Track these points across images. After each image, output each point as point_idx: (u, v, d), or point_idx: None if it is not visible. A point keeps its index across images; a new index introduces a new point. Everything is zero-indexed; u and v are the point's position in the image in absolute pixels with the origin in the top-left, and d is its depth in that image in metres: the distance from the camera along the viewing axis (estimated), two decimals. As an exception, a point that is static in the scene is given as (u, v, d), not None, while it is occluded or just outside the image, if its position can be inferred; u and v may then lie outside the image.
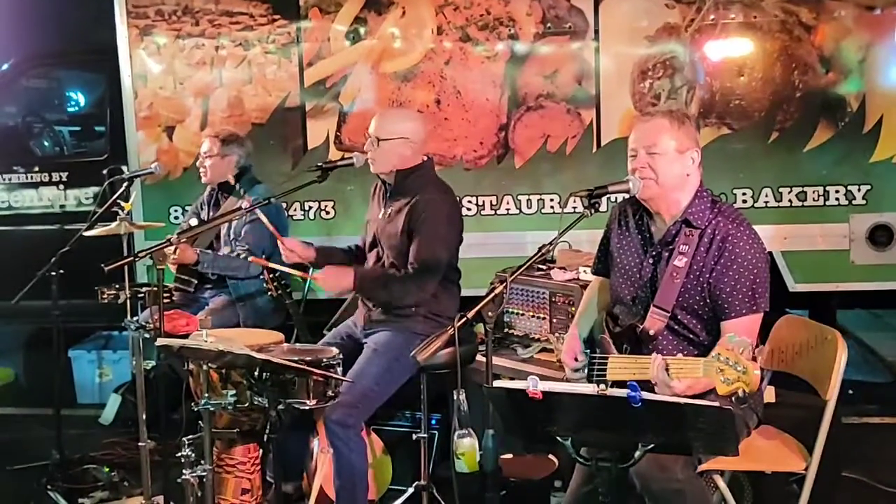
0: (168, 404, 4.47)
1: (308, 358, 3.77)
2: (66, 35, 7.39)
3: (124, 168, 6.26)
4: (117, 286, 4.68)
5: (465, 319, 3.17)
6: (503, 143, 6.08)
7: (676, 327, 3.46)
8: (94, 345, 6.69)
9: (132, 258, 4.09)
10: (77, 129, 7.64)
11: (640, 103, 5.88)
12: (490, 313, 3.19)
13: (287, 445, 4.18)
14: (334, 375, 3.71)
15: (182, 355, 3.85)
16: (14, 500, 4.97)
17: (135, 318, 4.52)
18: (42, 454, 5.21)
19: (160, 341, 3.69)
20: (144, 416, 4.32)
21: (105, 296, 4.78)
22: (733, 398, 2.93)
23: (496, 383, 2.94)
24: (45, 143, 7.28)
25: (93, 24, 6.90)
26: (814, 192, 5.87)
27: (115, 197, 5.00)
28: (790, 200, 5.89)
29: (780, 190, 5.89)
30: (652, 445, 2.74)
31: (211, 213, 5.49)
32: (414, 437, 4.44)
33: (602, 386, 2.63)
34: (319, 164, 4.44)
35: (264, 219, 4.51)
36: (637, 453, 2.78)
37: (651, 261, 3.52)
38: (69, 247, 4.96)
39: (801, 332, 3.65)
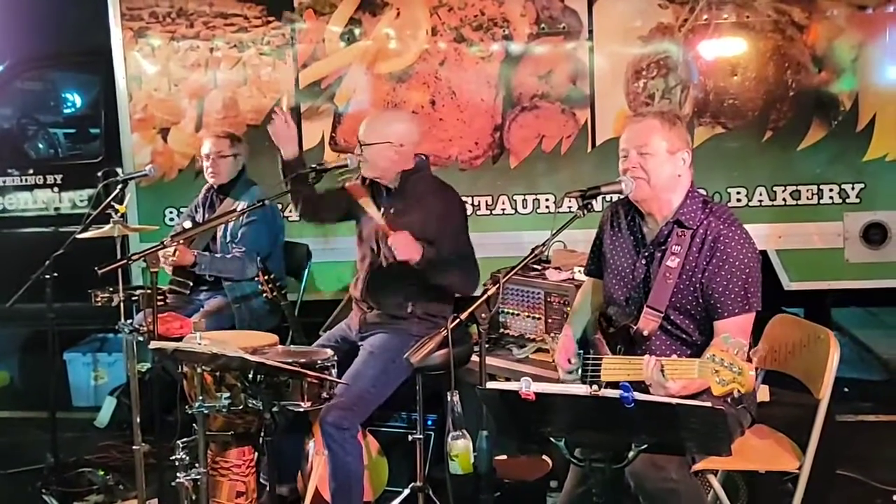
0: (163, 407, 4.47)
1: (302, 360, 3.77)
2: (61, 37, 7.38)
3: (119, 170, 6.24)
4: (111, 289, 4.68)
5: (458, 321, 3.17)
6: (498, 143, 6.09)
7: (669, 328, 3.46)
8: (89, 347, 6.69)
9: (126, 261, 4.08)
10: (72, 131, 7.64)
11: (635, 103, 5.89)
12: (483, 315, 3.19)
13: (282, 447, 4.18)
14: (328, 377, 3.71)
15: (176, 358, 3.85)
16: (9, 504, 4.98)
17: (128, 321, 4.51)
18: (37, 458, 5.20)
19: (153, 344, 3.69)
20: (139, 419, 4.31)
21: (98, 299, 4.77)
22: (729, 399, 2.93)
23: (489, 385, 2.94)
24: (40, 146, 7.28)
25: (87, 26, 6.88)
26: (808, 190, 5.88)
27: (109, 199, 4.99)
28: (784, 199, 5.90)
29: (775, 189, 5.90)
30: (645, 446, 2.75)
31: (206, 215, 5.48)
32: (410, 438, 4.43)
33: (595, 387, 2.64)
34: (314, 165, 4.43)
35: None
36: (630, 454, 2.78)
37: (644, 261, 3.52)
38: (63, 250, 4.95)
39: (794, 332, 3.65)
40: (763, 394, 3.79)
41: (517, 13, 5.97)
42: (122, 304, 4.54)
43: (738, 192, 5.92)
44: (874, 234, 5.84)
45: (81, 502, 4.89)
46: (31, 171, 6.77)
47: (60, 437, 5.17)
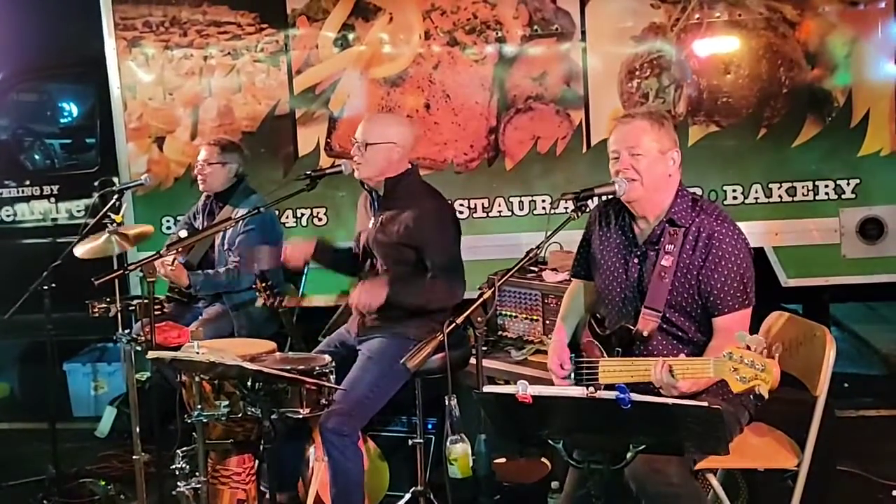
0: (163, 416, 4.47)
1: (300, 367, 3.78)
2: (56, 48, 7.37)
3: (115, 180, 6.25)
4: (108, 299, 4.68)
5: (453, 325, 3.18)
6: (493, 145, 6.09)
7: (666, 327, 3.46)
8: (88, 357, 6.69)
9: (122, 271, 4.08)
10: (67, 141, 7.63)
11: (629, 103, 5.90)
12: (479, 318, 3.20)
13: (282, 454, 4.18)
14: (326, 384, 3.71)
15: (174, 367, 3.85)
16: (11, 516, 4.99)
17: (126, 331, 4.51)
18: (38, 469, 5.21)
19: (151, 354, 3.69)
20: (139, 429, 4.31)
21: (96, 309, 4.76)
22: (751, 396, 2.91)
23: (486, 388, 2.94)
24: (36, 157, 7.28)
25: (81, 36, 6.88)
26: (803, 187, 5.89)
27: (105, 209, 5.00)
28: (780, 196, 5.90)
29: (770, 186, 5.91)
30: (643, 446, 2.75)
31: (205, 223, 5.47)
32: (410, 442, 4.43)
33: (591, 389, 2.64)
34: (308, 171, 4.43)
35: None
36: (629, 455, 2.78)
37: (637, 261, 3.52)
38: (60, 260, 4.95)
39: (790, 329, 3.65)
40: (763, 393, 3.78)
41: (510, 15, 5.98)
42: (119, 314, 4.54)
43: (734, 190, 5.92)
44: (870, 229, 5.84)
45: (83, 513, 4.91)
46: (27, 182, 6.77)
47: (61, 448, 5.18)
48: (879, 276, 5.94)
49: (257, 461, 4.04)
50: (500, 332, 5.04)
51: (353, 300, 4.24)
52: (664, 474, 3.19)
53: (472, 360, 4.36)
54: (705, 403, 2.58)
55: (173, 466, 3.96)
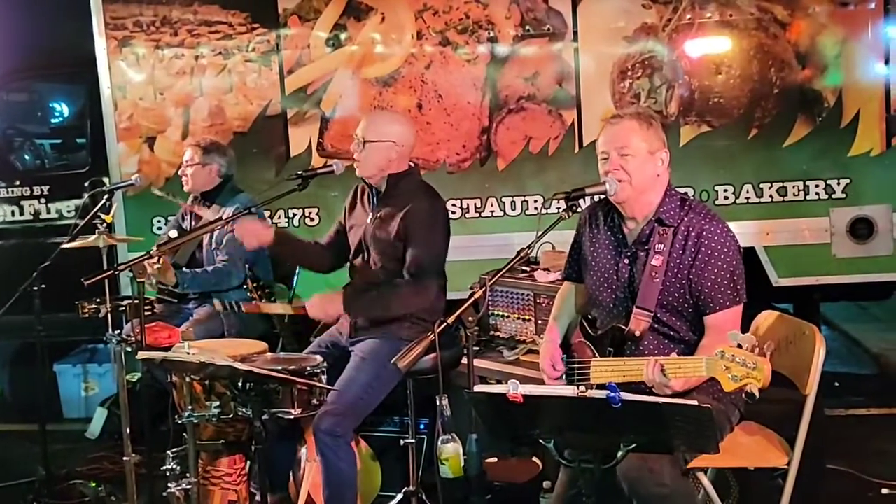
0: (154, 417, 4.46)
1: (291, 367, 3.77)
2: (46, 48, 7.35)
3: (106, 180, 6.23)
4: (98, 300, 4.67)
5: (444, 325, 3.18)
6: (486, 145, 6.09)
7: (658, 326, 3.47)
8: (79, 358, 6.68)
9: (112, 271, 4.07)
10: (58, 141, 7.62)
11: (621, 103, 5.90)
12: (470, 318, 3.19)
13: (273, 455, 4.18)
14: (317, 384, 3.70)
15: (165, 368, 3.84)
16: (1, 518, 4.98)
17: (116, 332, 4.51)
18: (28, 470, 5.20)
19: (141, 355, 3.69)
20: (129, 430, 4.30)
21: (86, 310, 4.75)
22: (743, 395, 2.92)
23: (477, 388, 2.94)
24: (26, 157, 7.26)
25: (72, 36, 6.86)
26: (794, 187, 5.90)
27: (96, 209, 4.99)
28: (771, 196, 5.91)
29: (761, 185, 5.92)
30: (633, 445, 2.75)
31: (192, 224, 5.47)
32: (402, 442, 4.43)
33: (582, 388, 2.64)
34: (299, 171, 4.42)
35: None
36: (619, 454, 2.79)
37: (627, 262, 3.53)
38: (50, 261, 4.94)
39: (779, 328, 3.66)
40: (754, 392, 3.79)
41: (502, 15, 5.98)
42: (109, 315, 4.53)
43: (726, 190, 5.93)
44: (861, 229, 5.85)
45: (73, 514, 4.90)
46: (17, 183, 6.75)
47: (51, 449, 5.17)
48: (870, 275, 5.95)
49: (248, 462, 4.04)
50: (491, 332, 5.03)
51: (309, 310, 4.26)
52: (656, 474, 3.20)
53: (464, 360, 4.36)
54: (695, 402, 2.58)
55: (164, 467, 3.96)
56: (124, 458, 4.31)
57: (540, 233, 3.41)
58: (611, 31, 5.93)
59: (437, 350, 3.20)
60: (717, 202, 5.86)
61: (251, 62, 6.17)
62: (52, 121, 7.95)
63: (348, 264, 4.53)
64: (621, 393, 2.57)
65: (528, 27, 5.98)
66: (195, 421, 3.70)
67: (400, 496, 4.41)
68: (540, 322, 4.80)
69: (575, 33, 5.95)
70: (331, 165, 4.37)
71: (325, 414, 3.96)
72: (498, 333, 5.02)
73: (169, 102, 6.25)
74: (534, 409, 2.73)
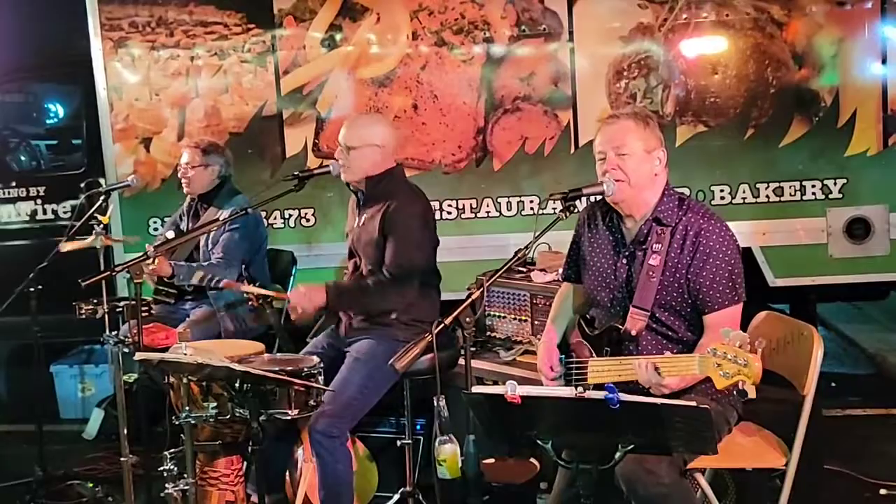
0: (151, 418, 4.46)
1: (288, 368, 3.77)
2: (41, 48, 7.34)
3: (102, 181, 6.23)
4: (95, 301, 4.66)
5: (442, 326, 3.18)
6: (481, 146, 6.09)
7: (656, 326, 3.47)
8: (75, 359, 6.66)
9: (109, 272, 4.07)
10: (54, 142, 7.60)
11: (617, 103, 5.91)
12: (468, 319, 3.20)
13: (270, 456, 4.17)
14: (314, 385, 3.70)
15: (162, 369, 3.84)
16: (-2, 519, 4.96)
17: (113, 333, 4.50)
18: (25, 471, 5.18)
19: (139, 355, 3.68)
20: (126, 431, 4.30)
21: (83, 311, 4.74)
22: (734, 392, 2.93)
23: (475, 389, 2.94)
24: (22, 158, 7.25)
25: (67, 36, 6.85)
26: (790, 187, 5.90)
27: (92, 210, 4.98)
28: (767, 196, 5.92)
29: (758, 186, 5.92)
30: (631, 446, 2.75)
31: (190, 224, 5.46)
32: (399, 443, 4.43)
33: (580, 389, 2.64)
34: (296, 172, 4.42)
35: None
36: (617, 455, 2.78)
37: (625, 261, 3.53)
38: (47, 262, 4.94)
39: (777, 328, 3.66)
40: (749, 391, 3.78)
41: (497, 15, 5.98)
42: (106, 316, 4.53)
43: (722, 190, 5.93)
44: (857, 229, 5.86)
45: (70, 515, 4.89)
46: (13, 184, 6.74)
47: (48, 450, 5.17)
48: (866, 275, 5.96)
49: (246, 463, 4.03)
50: (488, 333, 5.04)
51: (292, 300, 4.26)
52: (654, 474, 3.20)
53: (461, 361, 4.37)
54: (693, 403, 2.58)
55: (161, 468, 3.94)
56: (121, 459, 4.29)
57: (537, 233, 3.41)
58: (607, 31, 5.93)
59: (434, 351, 3.19)
60: (713, 202, 5.86)
61: (247, 63, 6.17)
62: (48, 122, 7.94)
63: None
64: (619, 394, 2.56)
65: (523, 27, 5.98)
66: (192, 422, 3.69)
67: (397, 497, 4.41)
68: (536, 323, 4.80)
69: (571, 33, 5.96)
70: (327, 166, 4.38)
71: (321, 415, 3.96)
72: (495, 334, 5.02)
73: (165, 103, 6.24)
74: (531, 410, 2.73)
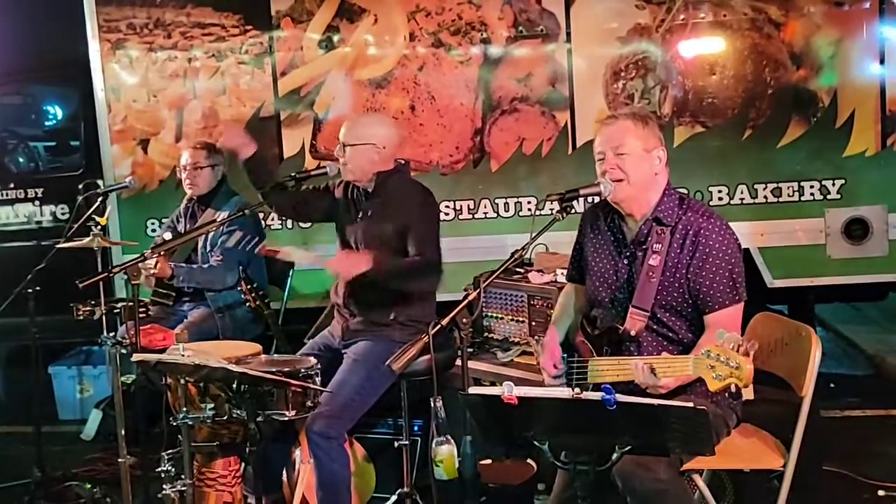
0: (148, 418, 4.45)
1: (285, 369, 3.76)
2: (39, 50, 7.34)
3: (100, 182, 6.22)
4: (92, 302, 4.67)
5: (439, 326, 3.17)
6: (479, 147, 6.10)
7: (656, 327, 3.46)
8: (73, 360, 6.66)
9: (107, 274, 4.06)
10: (52, 144, 7.59)
11: (614, 104, 5.91)
12: (465, 319, 3.19)
13: (268, 457, 4.17)
14: (312, 386, 3.70)
15: (159, 370, 3.83)
16: (-4, 520, 4.96)
17: (111, 334, 4.50)
18: (23, 472, 5.17)
19: (136, 357, 3.68)
20: (124, 432, 4.30)
21: (80, 312, 4.75)
22: (727, 394, 2.93)
23: (472, 389, 2.94)
24: (20, 159, 7.25)
25: (65, 38, 6.85)
26: (789, 187, 5.91)
27: (90, 212, 4.98)
28: (765, 197, 5.92)
29: (756, 186, 5.93)
30: (629, 447, 2.75)
31: (188, 226, 5.46)
32: (396, 444, 4.43)
33: (577, 389, 2.64)
34: (293, 173, 4.43)
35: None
36: (614, 455, 2.78)
37: (626, 261, 3.53)
38: (45, 263, 4.94)
39: (775, 329, 3.66)
40: (747, 392, 3.79)
41: (495, 17, 5.98)
42: (104, 317, 4.53)
43: (720, 191, 5.94)
44: (855, 230, 5.86)
45: (69, 515, 4.88)
46: (11, 185, 6.75)
47: (46, 451, 5.15)
48: (864, 276, 5.97)
49: (243, 463, 4.03)
50: (485, 334, 5.03)
51: (332, 265, 4.23)
52: (652, 471, 3.19)
53: (458, 362, 4.36)
54: (691, 404, 2.58)
55: (159, 469, 3.94)
56: (119, 460, 4.29)
57: (534, 234, 3.41)
58: (604, 32, 5.94)
59: (431, 352, 3.19)
60: (711, 203, 5.86)
61: (244, 64, 6.17)
62: (46, 123, 7.93)
63: None
64: (617, 395, 2.56)
65: (521, 28, 5.98)
66: (190, 423, 3.68)
67: (394, 498, 4.40)
68: (534, 324, 4.80)
69: (568, 34, 5.96)
70: (324, 167, 4.39)
71: (318, 416, 3.96)
72: (492, 335, 5.02)
73: (162, 105, 6.25)
74: (528, 411, 2.73)
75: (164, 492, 3.85)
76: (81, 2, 6.18)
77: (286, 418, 3.64)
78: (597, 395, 2.58)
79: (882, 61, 5.80)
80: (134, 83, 6.24)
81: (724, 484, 4.07)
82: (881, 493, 4.66)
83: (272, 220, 6.19)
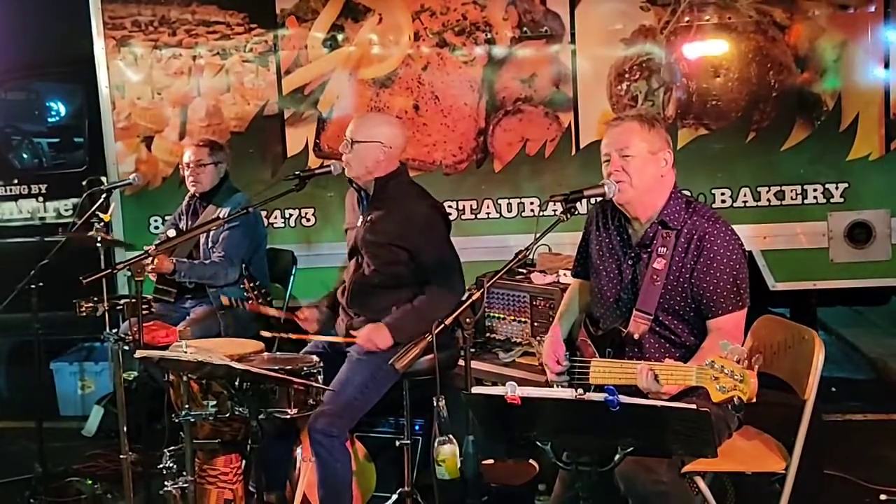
0: (150, 415, 4.46)
1: (288, 367, 3.77)
2: (44, 47, 7.35)
3: (103, 179, 6.23)
4: (95, 298, 4.67)
5: (442, 326, 3.18)
6: (482, 147, 6.09)
7: (659, 329, 3.46)
8: (75, 356, 6.65)
9: (110, 271, 4.07)
10: (56, 140, 7.63)
11: (618, 105, 5.90)
12: (468, 319, 3.19)
13: (270, 455, 4.18)
14: (314, 384, 3.70)
15: (162, 366, 3.84)
16: (-3, 515, 4.96)
17: (114, 331, 4.50)
18: (25, 468, 5.18)
19: (139, 353, 3.68)
20: (126, 428, 4.30)
21: (83, 308, 4.75)
22: (729, 406, 2.92)
23: (475, 389, 2.94)
24: (24, 156, 7.26)
25: (70, 35, 6.86)
26: (792, 191, 5.90)
27: (94, 208, 4.98)
28: (768, 200, 5.91)
29: (759, 189, 5.92)
30: (631, 448, 2.75)
31: (189, 223, 5.47)
32: (397, 443, 4.43)
33: (580, 390, 2.64)
34: (297, 172, 4.42)
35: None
36: (616, 456, 2.78)
37: (630, 263, 3.53)
38: (48, 259, 4.94)
39: (778, 332, 3.65)
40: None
41: (499, 17, 5.98)
42: (106, 314, 4.53)
43: (723, 194, 5.93)
44: (859, 234, 5.86)
45: (70, 512, 4.88)
46: (15, 181, 6.76)
47: (48, 447, 5.15)
48: (867, 280, 5.96)
49: (244, 461, 4.04)
50: (488, 334, 5.04)
51: (362, 342, 4.20)
52: (654, 472, 3.19)
53: (461, 362, 4.36)
54: (693, 406, 2.58)
55: (160, 466, 3.95)
56: (121, 457, 4.29)
57: (538, 235, 3.41)
58: (608, 34, 5.93)
59: (434, 351, 3.19)
60: (714, 206, 5.84)
61: (249, 62, 6.17)
62: (50, 120, 7.96)
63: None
64: (619, 396, 2.56)
65: (525, 29, 5.98)
66: (192, 420, 3.69)
67: (395, 497, 4.40)
68: (536, 324, 4.81)
69: (572, 35, 5.96)
70: (328, 166, 4.37)
71: (320, 414, 3.96)
72: (494, 335, 5.02)
73: (166, 102, 6.25)
74: (531, 412, 2.73)
75: (165, 489, 3.87)
76: (87, -1, 6.19)
77: (288, 416, 3.65)
78: (600, 397, 2.58)
79: (887, 65, 5.78)
80: (138, 80, 6.24)
81: (725, 486, 4.06)
82: (883, 497, 4.65)
83: (275, 218, 6.19)
